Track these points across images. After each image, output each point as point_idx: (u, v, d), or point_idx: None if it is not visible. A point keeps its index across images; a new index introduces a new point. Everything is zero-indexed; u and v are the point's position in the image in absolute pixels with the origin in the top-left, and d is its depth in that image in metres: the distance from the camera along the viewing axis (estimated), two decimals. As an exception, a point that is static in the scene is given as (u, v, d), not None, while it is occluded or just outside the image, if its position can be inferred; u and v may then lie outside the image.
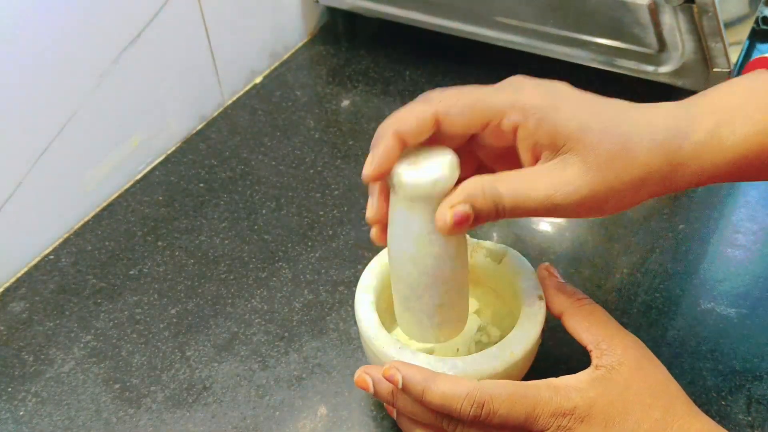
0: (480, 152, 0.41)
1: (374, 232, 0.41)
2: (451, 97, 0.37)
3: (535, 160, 0.37)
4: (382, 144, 0.36)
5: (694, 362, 0.50)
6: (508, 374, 0.40)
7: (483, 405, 0.36)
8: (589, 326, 0.40)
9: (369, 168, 0.37)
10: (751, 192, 0.62)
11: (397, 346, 0.41)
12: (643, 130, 0.36)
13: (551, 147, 0.36)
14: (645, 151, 0.35)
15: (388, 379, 0.38)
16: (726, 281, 0.55)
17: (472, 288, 0.46)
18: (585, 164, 0.35)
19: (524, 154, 0.38)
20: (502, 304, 0.49)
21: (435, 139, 0.38)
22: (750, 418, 0.47)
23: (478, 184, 0.36)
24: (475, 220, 0.37)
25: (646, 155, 0.35)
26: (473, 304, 0.48)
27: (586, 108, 0.36)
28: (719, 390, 0.48)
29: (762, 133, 0.36)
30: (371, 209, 0.40)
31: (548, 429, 0.37)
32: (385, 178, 0.38)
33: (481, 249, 0.48)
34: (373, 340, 0.42)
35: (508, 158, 0.39)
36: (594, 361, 0.39)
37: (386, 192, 0.40)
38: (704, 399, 0.47)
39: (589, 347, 0.40)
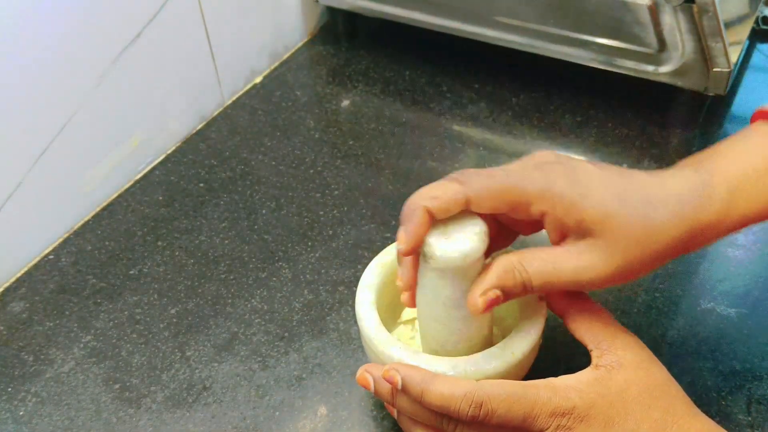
0: (503, 219, 0.43)
1: (405, 296, 0.43)
2: (482, 180, 0.39)
3: (562, 236, 0.40)
4: (415, 220, 0.38)
5: (694, 362, 0.50)
6: (508, 374, 0.41)
7: (481, 405, 0.37)
8: (591, 326, 0.40)
9: (403, 245, 0.39)
10: (751, 192, 0.62)
11: (397, 345, 0.42)
12: (664, 209, 0.38)
13: (578, 232, 0.38)
14: (667, 229, 0.38)
15: (388, 380, 0.39)
16: (726, 281, 0.55)
17: None
18: (609, 249, 0.38)
19: (551, 233, 0.40)
20: (504, 305, 0.48)
21: None
22: (750, 419, 0.47)
23: (509, 268, 0.39)
24: (505, 299, 0.39)
25: (668, 233, 0.38)
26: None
27: (611, 193, 0.38)
28: (719, 390, 0.48)
29: None
30: (404, 278, 0.42)
31: (547, 429, 0.37)
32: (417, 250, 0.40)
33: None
34: (374, 340, 0.42)
35: (530, 227, 0.42)
36: (594, 361, 0.39)
37: (416, 258, 0.41)
38: (704, 399, 0.47)
39: (590, 347, 0.40)
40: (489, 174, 0.39)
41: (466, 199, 0.39)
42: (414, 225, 0.38)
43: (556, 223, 0.39)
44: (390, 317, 0.48)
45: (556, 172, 0.39)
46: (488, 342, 0.44)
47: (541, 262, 0.39)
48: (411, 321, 0.50)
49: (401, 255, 0.40)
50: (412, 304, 0.43)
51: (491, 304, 0.39)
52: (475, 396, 0.37)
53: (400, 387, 0.38)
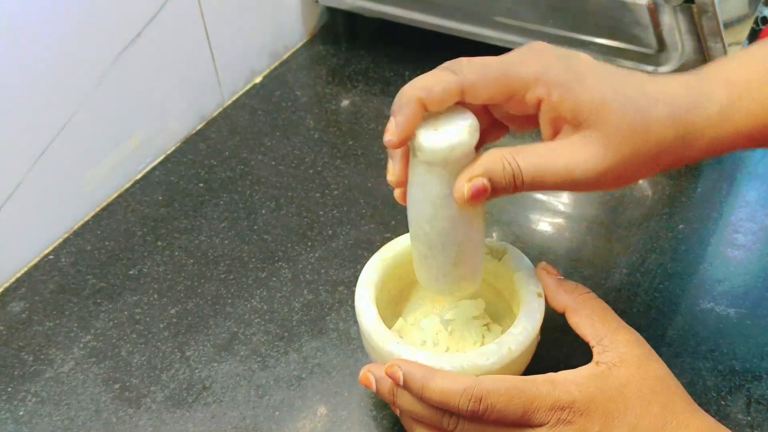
0: (496, 113, 0.41)
1: (397, 193, 0.42)
2: (477, 68, 0.38)
3: (555, 132, 0.38)
4: (406, 111, 0.37)
5: (694, 362, 0.50)
6: (506, 371, 0.41)
7: (481, 400, 0.37)
8: (593, 323, 0.40)
9: (392, 135, 0.37)
10: (750, 192, 0.62)
11: (396, 341, 0.42)
12: (659, 105, 0.36)
13: (573, 121, 0.37)
14: (661, 126, 0.36)
15: (390, 376, 0.39)
16: (725, 281, 0.55)
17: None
18: (604, 141, 0.36)
19: (545, 126, 0.38)
20: (502, 301, 0.49)
21: (457, 103, 0.39)
22: (749, 418, 0.47)
23: (498, 157, 0.37)
24: (493, 193, 0.37)
25: (662, 131, 0.36)
26: (480, 304, 0.49)
27: (607, 84, 0.37)
28: (719, 390, 0.48)
29: None
30: (392, 173, 0.41)
31: (547, 423, 0.37)
32: (407, 143, 0.38)
33: None
34: (372, 335, 0.43)
35: (523, 121, 0.40)
36: (595, 357, 0.39)
37: (407, 154, 0.40)
38: (704, 399, 0.47)
39: (592, 343, 0.40)
40: (483, 62, 0.38)
41: (460, 89, 0.37)
42: (405, 116, 0.37)
43: (551, 112, 0.37)
44: (390, 314, 0.48)
45: (552, 58, 0.38)
46: (478, 251, 0.43)
47: (532, 154, 0.37)
48: (413, 315, 0.50)
49: (391, 147, 0.38)
50: (404, 200, 0.42)
51: (478, 193, 0.37)
52: (475, 391, 0.37)
53: (401, 383, 0.38)
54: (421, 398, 0.39)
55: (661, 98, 0.37)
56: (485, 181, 0.37)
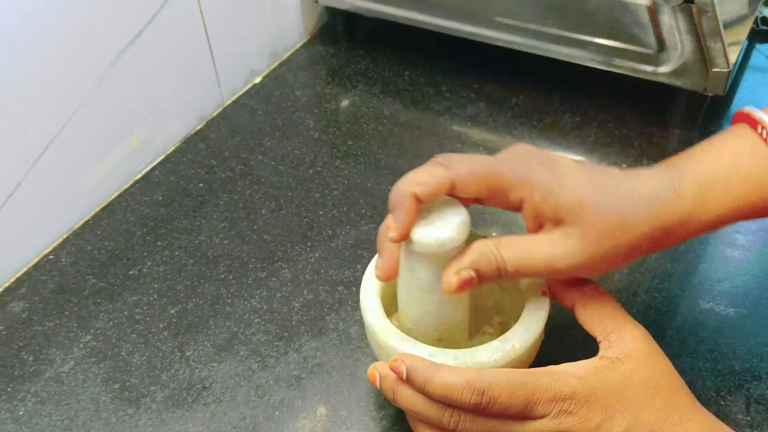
0: (486, 204, 0.44)
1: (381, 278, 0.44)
2: (466, 165, 0.40)
3: (538, 227, 0.41)
4: (404, 207, 0.39)
5: (694, 362, 0.50)
6: (509, 367, 0.41)
7: (483, 393, 0.37)
8: (601, 318, 0.41)
9: (395, 231, 0.40)
10: (750, 192, 0.62)
11: (399, 336, 0.42)
12: (636, 203, 0.39)
13: (553, 220, 0.40)
14: (638, 221, 0.39)
15: (394, 370, 0.40)
16: (725, 281, 0.55)
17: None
18: (583, 236, 0.39)
19: (528, 221, 0.41)
20: (507, 298, 0.49)
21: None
22: (749, 418, 0.47)
23: (484, 249, 0.40)
24: (479, 282, 0.40)
25: (638, 226, 0.39)
26: (496, 318, 0.50)
27: (586, 185, 0.40)
28: (718, 390, 0.48)
29: (741, 201, 0.40)
30: (382, 269, 0.43)
31: (549, 414, 0.38)
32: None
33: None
34: (376, 330, 0.43)
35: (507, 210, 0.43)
36: (601, 352, 0.40)
37: (395, 250, 0.43)
38: (703, 399, 0.47)
39: (599, 338, 0.41)
40: (473, 159, 0.41)
41: (451, 183, 0.40)
42: (403, 212, 0.39)
43: (533, 210, 0.40)
44: (395, 309, 0.49)
45: (535, 162, 0.41)
46: (461, 329, 0.45)
47: (516, 248, 0.40)
48: None
49: (394, 242, 0.41)
50: (385, 279, 0.44)
51: (464, 284, 0.39)
52: (477, 384, 0.37)
53: (404, 377, 0.39)
54: (423, 392, 0.39)
55: (636, 197, 0.39)
56: (472, 272, 0.39)
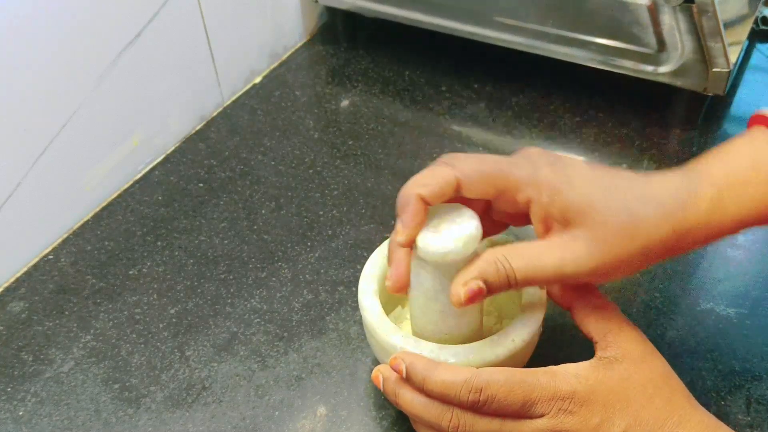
0: (495, 216, 0.44)
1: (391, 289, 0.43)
2: (472, 164, 0.39)
3: (546, 229, 0.40)
4: (410, 209, 0.39)
5: (694, 362, 0.50)
6: (510, 362, 0.41)
7: (481, 390, 0.37)
8: (597, 319, 0.41)
9: (401, 236, 0.39)
10: (750, 192, 0.62)
11: (399, 334, 0.42)
12: (649, 205, 0.38)
13: (562, 221, 0.39)
14: (651, 225, 0.38)
15: (394, 368, 0.40)
16: (725, 281, 0.55)
17: None
18: (593, 239, 0.38)
19: (536, 224, 0.40)
20: (505, 294, 0.49)
21: (459, 199, 0.41)
22: (749, 418, 0.47)
23: (492, 259, 0.39)
24: (488, 293, 0.39)
25: (652, 228, 0.38)
26: (493, 311, 0.50)
27: (596, 185, 0.39)
28: (718, 390, 0.48)
29: (761, 202, 0.38)
30: (392, 279, 0.41)
31: (548, 413, 0.38)
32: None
33: (484, 240, 0.48)
34: (376, 329, 0.43)
35: (521, 219, 0.42)
36: (598, 353, 0.40)
37: (408, 259, 0.41)
38: (703, 399, 0.47)
39: (595, 339, 0.40)
40: (479, 158, 0.40)
41: (456, 182, 0.39)
42: (410, 214, 0.38)
43: (541, 211, 0.39)
44: (393, 307, 0.49)
45: (543, 162, 0.40)
46: (466, 339, 0.44)
47: (525, 257, 0.39)
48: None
49: (401, 246, 0.40)
50: (394, 291, 0.42)
51: (473, 296, 0.38)
52: (475, 382, 0.37)
53: (404, 375, 0.39)
54: (422, 390, 0.39)
55: (649, 199, 0.38)
56: (480, 283, 0.38)
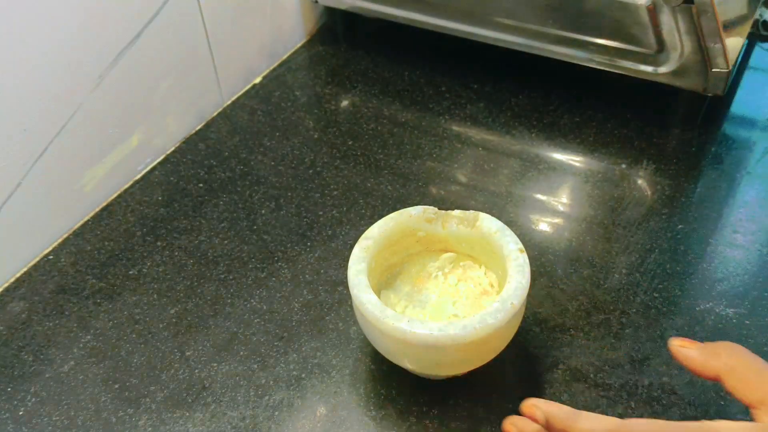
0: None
1: None
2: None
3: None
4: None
5: (693, 362, 0.50)
6: (512, 323, 0.44)
7: None
8: (749, 384, 0.39)
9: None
10: (749, 192, 0.62)
11: (405, 319, 0.43)
12: None
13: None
14: None
15: (528, 416, 0.37)
16: (725, 281, 0.55)
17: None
18: None
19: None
20: (477, 266, 0.52)
21: None
22: (749, 418, 0.46)
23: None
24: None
25: None
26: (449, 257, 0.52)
27: None
28: (718, 390, 0.48)
29: None
30: None
31: None
32: None
33: (452, 218, 0.50)
34: (379, 319, 0.44)
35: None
36: (757, 419, 0.38)
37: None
38: (703, 399, 0.47)
39: (753, 405, 0.38)
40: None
41: None
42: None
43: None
44: (377, 291, 0.49)
45: None
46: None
47: None
48: (405, 292, 0.51)
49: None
50: None
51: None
52: (622, 431, 0.35)
53: (542, 421, 0.37)
54: None
55: None
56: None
